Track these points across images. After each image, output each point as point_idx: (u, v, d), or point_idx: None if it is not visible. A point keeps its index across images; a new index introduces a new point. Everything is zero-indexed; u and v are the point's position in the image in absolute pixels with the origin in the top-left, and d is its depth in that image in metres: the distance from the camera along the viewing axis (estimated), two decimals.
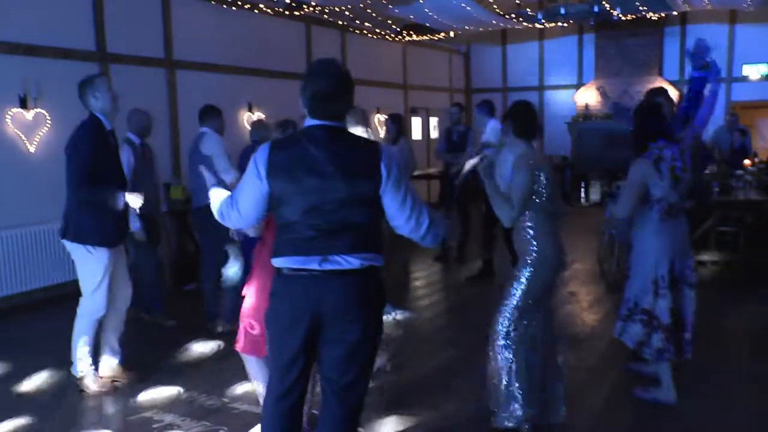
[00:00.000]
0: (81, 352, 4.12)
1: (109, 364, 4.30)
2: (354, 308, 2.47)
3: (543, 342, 3.45)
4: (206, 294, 5.43)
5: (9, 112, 6.12)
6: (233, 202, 2.61)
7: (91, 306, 4.08)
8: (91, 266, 4.02)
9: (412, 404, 3.89)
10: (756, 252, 7.02)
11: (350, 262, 2.46)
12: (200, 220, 5.32)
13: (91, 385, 4.12)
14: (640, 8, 10.46)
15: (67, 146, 3.97)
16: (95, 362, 4.23)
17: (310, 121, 2.52)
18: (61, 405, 3.98)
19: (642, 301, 3.80)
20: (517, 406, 3.39)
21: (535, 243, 3.36)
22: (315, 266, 2.45)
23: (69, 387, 4.20)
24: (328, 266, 2.45)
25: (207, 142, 5.25)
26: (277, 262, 2.53)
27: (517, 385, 3.39)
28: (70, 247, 4.05)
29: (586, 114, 13.26)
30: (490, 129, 6.77)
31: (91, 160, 3.87)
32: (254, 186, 2.51)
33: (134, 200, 4.05)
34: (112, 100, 4.03)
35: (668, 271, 3.74)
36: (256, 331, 3.24)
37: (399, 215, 2.53)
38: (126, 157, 5.01)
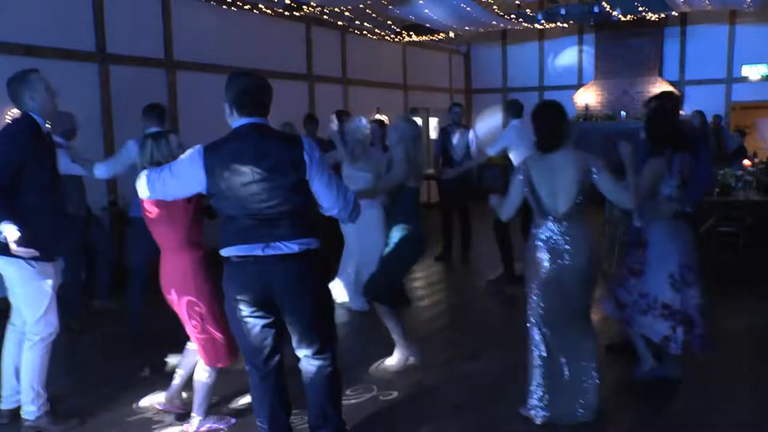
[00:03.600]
0: (37, 386, 3.57)
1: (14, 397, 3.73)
2: (297, 287, 2.84)
3: (564, 344, 3.50)
4: (132, 311, 5.13)
5: (9, 113, 6.11)
6: (163, 180, 2.86)
7: (44, 328, 3.55)
8: (36, 282, 3.50)
9: (411, 403, 3.88)
10: (756, 252, 7.03)
11: (290, 247, 2.79)
12: (138, 231, 4.72)
13: (53, 426, 3.62)
14: (640, 9, 10.45)
15: None
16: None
17: (238, 121, 2.81)
18: None
19: (661, 296, 3.88)
20: (533, 400, 3.54)
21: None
22: (259, 252, 2.77)
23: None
24: (270, 251, 2.77)
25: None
26: (226, 251, 2.84)
27: (535, 381, 3.54)
28: (7, 262, 3.43)
29: (586, 114, 13.26)
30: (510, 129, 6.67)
31: (14, 163, 3.35)
32: (190, 182, 2.81)
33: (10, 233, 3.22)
34: (50, 99, 3.58)
35: (679, 268, 3.86)
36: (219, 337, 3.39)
37: (328, 196, 2.86)
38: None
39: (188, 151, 2.85)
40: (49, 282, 3.55)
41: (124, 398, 4.05)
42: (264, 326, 2.89)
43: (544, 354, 3.52)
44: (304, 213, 2.86)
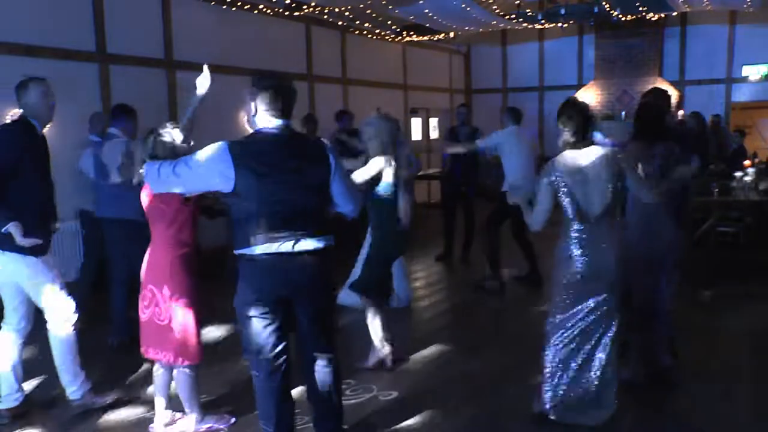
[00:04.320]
0: (73, 367, 3.84)
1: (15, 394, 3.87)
2: (319, 283, 2.96)
3: (581, 342, 3.47)
4: (117, 314, 5.05)
5: (9, 113, 6.11)
6: (178, 173, 2.83)
7: (65, 310, 3.76)
8: (42, 273, 3.68)
9: (411, 403, 3.89)
10: (756, 252, 7.03)
11: (314, 243, 2.88)
12: (113, 231, 4.93)
13: (98, 400, 3.92)
14: (640, 9, 10.45)
15: None
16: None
17: (264, 121, 2.86)
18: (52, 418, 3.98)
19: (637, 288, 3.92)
20: (545, 396, 3.52)
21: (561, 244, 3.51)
22: (288, 249, 2.82)
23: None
24: (298, 248, 2.84)
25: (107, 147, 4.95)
26: (248, 249, 2.83)
27: (552, 381, 3.52)
28: (10, 258, 3.59)
29: None
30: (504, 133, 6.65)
31: (8, 161, 3.54)
32: (211, 177, 2.79)
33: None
34: (46, 104, 3.77)
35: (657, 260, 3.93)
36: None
37: (345, 195, 3.02)
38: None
39: (210, 147, 2.84)
40: (53, 271, 3.74)
41: (125, 398, 4.06)
42: (278, 325, 2.92)
43: (564, 354, 3.47)
44: (323, 211, 3.00)
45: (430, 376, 4.38)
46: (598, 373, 3.46)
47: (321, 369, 3.10)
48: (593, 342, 3.46)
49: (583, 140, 3.44)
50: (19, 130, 3.68)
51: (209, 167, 2.80)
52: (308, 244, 2.86)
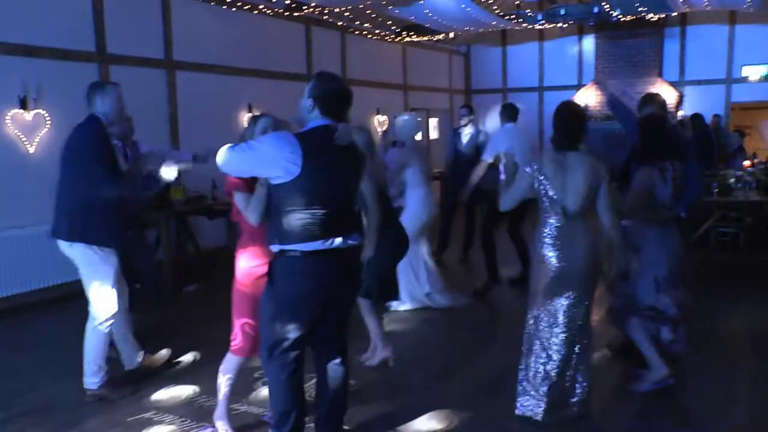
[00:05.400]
0: (98, 362, 4.00)
1: (136, 357, 4.38)
2: (355, 280, 3.08)
3: (562, 341, 3.52)
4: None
5: (9, 113, 6.12)
6: (240, 155, 2.83)
7: (105, 310, 3.95)
8: (100, 267, 3.92)
9: (411, 403, 3.89)
10: (756, 252, 7.03)
11: (354, 240, 2.95)
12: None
13: (112, 393, 4.05)
14: (640, 9, 10.45)
15: (70, 147, 3.89)
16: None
17: (321, 120, 2.86)
18: (61, 410, 3.99)
19: (647, 299, 4.00)
20: (525, 397, 3.60)
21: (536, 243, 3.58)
22: (339, 245, 2.86)
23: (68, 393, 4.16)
24: (343, 245, 2.88)
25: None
26: (301, 246, 2.81)
27: (534, 381, 3.58)
28: (75, 248, 3.90)
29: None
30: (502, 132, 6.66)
31: (107, 158, 3.86)
32: (275, 161, 2.75)
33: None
34: (119, 111, 4.03)
35: (665, 273, 3.99)
36: (254, 332, 3.26)
37: (366, 194, 3.27)
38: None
39: (273, 135, 2.89)
40: (111, 269, 3.95)
41: (126, 398, 4.06)
42: (308, 327, 2.93)
43: (545, 353, 3.54)
44: (356, 209, 3.10)
45: (430, 376, 4.38)
46: (575, 374, 3.56)
47: (335, 367, 3.12)
48: (567, 341, 3.52)
49: (574, 146, 3.50)
50: (99, 130, 3.89)
51: (279, 151, 2.76)
52: (349, 241, 2.91)
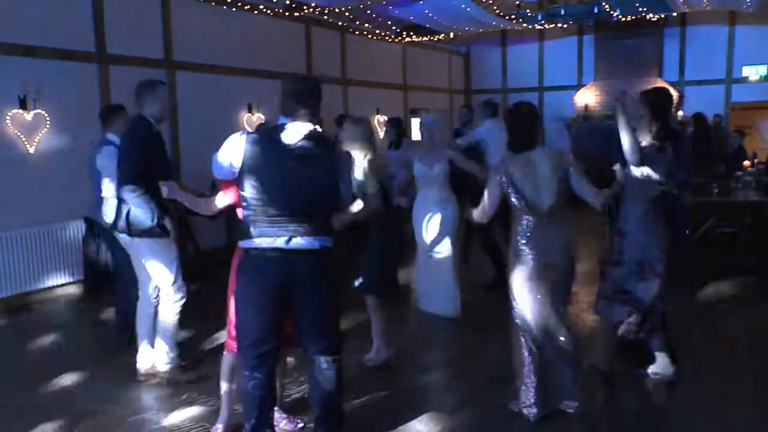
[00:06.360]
0: (170, 343, 4.19)
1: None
2: (316, 280, 2.93)
3: (547, 337, 3.54)
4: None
5: (9, 113, 6.12)
6: (218, 154, 2.97)
7: (178, 294, 4.15)
8: (165, 256, 4.10)
9: (412, 403, 3.89)
10: (756, 252, 7.03)
11: (312, 243, 2.89)
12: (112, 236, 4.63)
13: (181, 377, 4.20)
14: (640, 9, 10.46)
15: (122, 146, 4.15)
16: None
17: (283, 119, 2.97)
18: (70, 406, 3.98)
19: (624, 284, 3.91)
20: (520, 393, 3.61)
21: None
22: (282, 245, 2.84)
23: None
24: (294, 246, 2.85)
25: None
26: (248, 243, 2.88)
27: (526, 380, 3.59)
28: (139, 242, 4.08)
29: (585, 115, 13.26)
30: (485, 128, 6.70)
31: (144, 158, 3.95)
32: (227, 155, 2.90)
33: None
34: (165, 108, 4.22)
35: (649, 258, 3.88)
36: None
37: (347, 194, 3.08)
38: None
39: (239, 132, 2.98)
40: (173, 252, 4.16)
41: (125, 397, 4.06)
42: (270, 322, 2.95)
43: (533, 351, 3.55)
44: (326, 211, 3.01)
45: (430, 375, 4.38)
46: (560, 365, 3.58)
47: (323, 370, 3.08)
48: (549, 335, 3.54)
49: (531, 144, 3.53)
50: (145, 130, 4.03)
51: (228, 146, 2.92)
52: (304, 243, 2.87)
